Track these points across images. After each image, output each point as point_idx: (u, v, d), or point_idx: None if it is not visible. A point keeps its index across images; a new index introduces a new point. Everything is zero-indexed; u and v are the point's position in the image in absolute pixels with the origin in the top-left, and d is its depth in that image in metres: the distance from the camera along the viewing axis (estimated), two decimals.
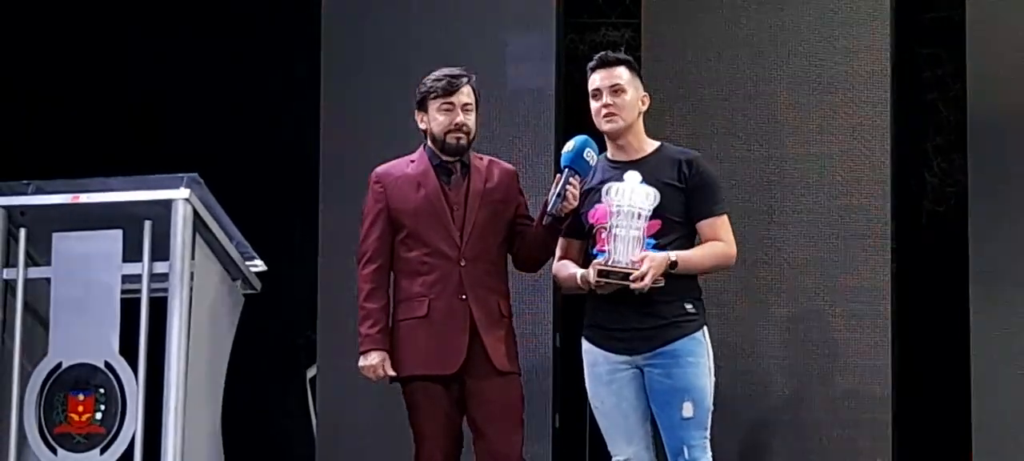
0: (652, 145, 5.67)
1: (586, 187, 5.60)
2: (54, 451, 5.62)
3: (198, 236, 5.64)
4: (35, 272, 5.71)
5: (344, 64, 7.08)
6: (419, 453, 5.72)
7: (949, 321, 6.60)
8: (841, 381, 6.51)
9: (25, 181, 5.76)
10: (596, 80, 5.62)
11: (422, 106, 5.77)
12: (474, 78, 5.79)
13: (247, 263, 5.92)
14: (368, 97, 7.01)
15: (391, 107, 6.76)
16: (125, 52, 7.92)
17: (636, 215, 5.51)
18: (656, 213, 5.51)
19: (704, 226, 5.59)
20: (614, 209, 5.52)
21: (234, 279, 5.89)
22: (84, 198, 5.64)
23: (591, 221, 5.59)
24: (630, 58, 5.72)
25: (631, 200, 5.53)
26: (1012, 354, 6.38)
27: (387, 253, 5.73)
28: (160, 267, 5.60)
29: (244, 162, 7.48)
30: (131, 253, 5.61)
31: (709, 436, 5.53)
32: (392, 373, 5.68)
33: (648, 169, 5.58)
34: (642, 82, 5.69)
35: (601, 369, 5.58)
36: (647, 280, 5.42)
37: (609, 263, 5.48)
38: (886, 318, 6.46)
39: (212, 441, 5.80)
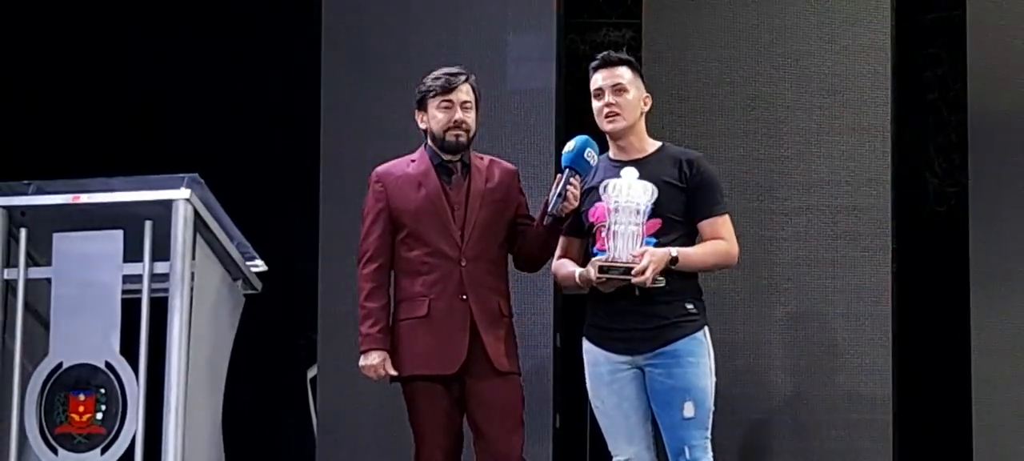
0: (654, 145, 5.67)
1: (586, 186, 5.60)
2: (55, 451, 5.62)
3: (199, 236, 5.64)
4: (36, 272, 5.71)
5: (344, 64, 7.08)
6: (419, 453, 5.72)
7: (950, 321, 6.60)
8: (841, 381, 6.50)
9: (26, 181, 5.76)
10: (598, 80, 5.62)
11: (422, 105, 5.77)
12: (474, 77, 5.79)
13: (248, 263, 5.92)
14: (368, 97, 7.00)
15: (391, 107, 6.76)
16: (125, 52, 7.92)
17: (634, 211, 5.51)
18: (656, 212, 5.51)
19: (705, 226, 5.59)
20: (612, 206, 5.52)
21: (235, 279, 5.89)
22: (85, 198, 5.65)
23: (591, 219, 5.59)
24: (632, 58, 5.72)
25: (629, 197, 5.52)
26: (1013, 354, 6.37)
27: (388, 252, 5.73)
28: (161, 267, 5.60)
29: (244, 162, 7.49)
30: (132, 253, 5.61)
31: (710, 436, 5.53)
32: (393, 373, 5.67)
33: (649, 168, 5.58)
34: (644, 82, 5.69)
35: (602, 369, 5.58)
36: (647, 274, 5.41)
37: (609, 260, 5.47)
38: (887, 318, 6.45)
39: (213, 441, 5.81)
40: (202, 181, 5.64)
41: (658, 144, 5.68)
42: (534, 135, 6.78)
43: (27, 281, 5.69)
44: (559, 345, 6.68)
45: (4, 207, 5.70)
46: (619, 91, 5.59)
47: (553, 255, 5.77)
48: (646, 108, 5.67)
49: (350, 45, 7.08)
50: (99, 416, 5.61)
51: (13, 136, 7.68)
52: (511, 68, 6.87)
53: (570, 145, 5.59)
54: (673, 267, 5.46)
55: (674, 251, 5.47)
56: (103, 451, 5.58)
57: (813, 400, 6.53)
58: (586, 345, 5.63)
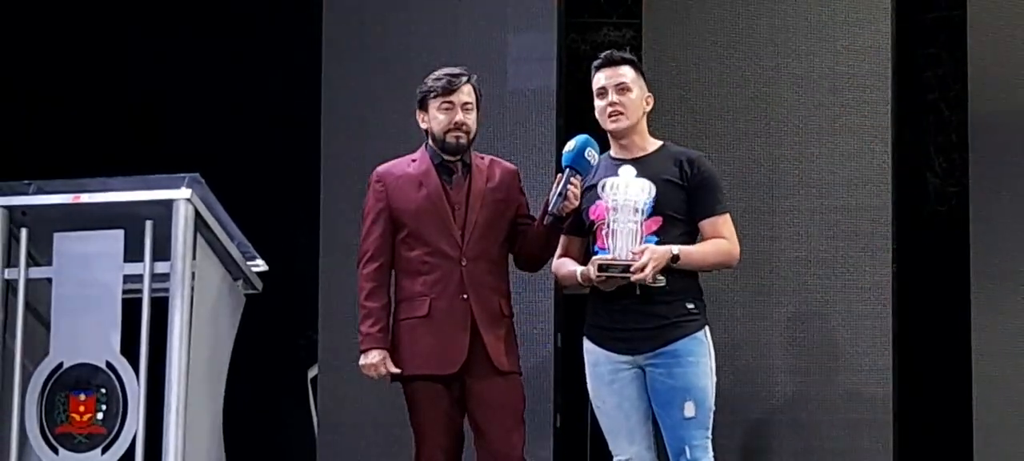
0: (655, 144, 5.67)
1: (586, 185, 5.59)
2: (55, 451, 5.62)
3: (199, 236, 5.64)
4: (36, 272, 5.71)
5: (344, 64, 7.08)
6: (420, 453, 5.72)
7: (950, 321, 6.60)
8: (842, 381, 6.51)
9: (26, 181, 5.76)
10: (601, 79, 5.62)
11: (423, 106, 5.77)
12: (475, 77, 5.79)
13: (248, 263, 5.92)
14: (368, 97, 7.01)
15: (391, 107, 6.76)
16: (125, 52, 7.92)
17: (633, 209, 5.50)
18: (657, 211, 5.51)
19: (706, 225, 5.59)
20: (611, 205, 5.51)
21: (235, 279, 5.89)
22: (85, 198, 5.65)
23: (592, 218, 5.58)
24: (635, 58, 5.73)
25: (627, 195, 5.52)
26: (1013, 354, 6.38)
27: (388, 252, 5.73)
28: (161, 267, 5.60)
29: (245, 162, 7.48)
30: (132, 253, 5.61)
31: (710, 436, 5.52)
32: (394, 371, 5.67)
33: (648, 166, 5.58)
34: (646, 82, 5.69)
35: (603, 369, 5.58)
36: (647, 271, 5.41)
37: (609, 259, 5.47)
38: (887, 318, 6.46)
39: (213, 441, 5.80)
40: (203, 181, 5.64)
41: (659, 143, 5.68)
42: (534, 135, 6.79)
43: (28, 281, 5.68)
44: (560, 345, 6.68)
45: (5, 207, 5.70)
46: (622, 90, 5.59)
47: (554, 255, 5.77)
48: (648, 107, 5.67)
49: (350, 45, 7.09)
50: (100, 416, 5.60)
51: (13, 136, 7.68)
52: (511, 68, 6.87)
53: (570, 144, 5.58)
54: (674, 265, 5.46)
55: (675, 249, 5.47)
56: (104, 451, 5.58)
57: (813, 400, 6.53)
58: (587, 345, 5.63)
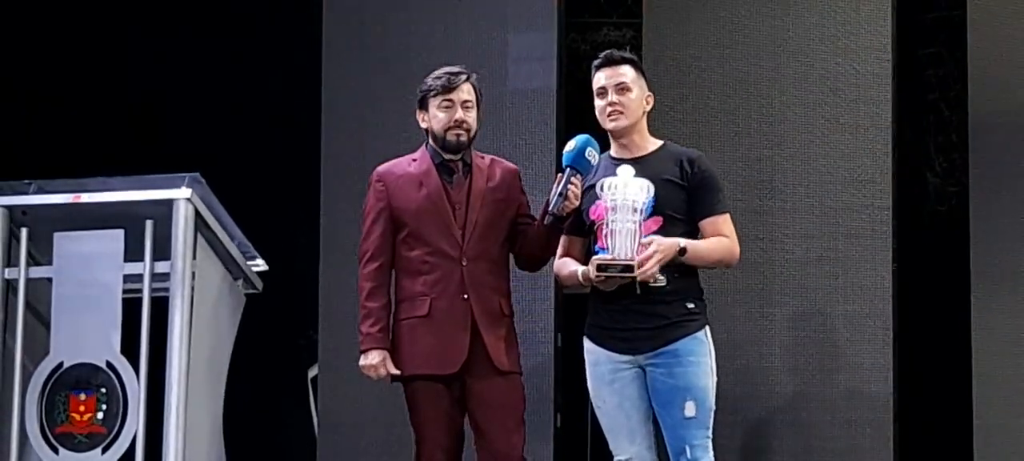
0: (655, 143, 5.67)
1: (586, 184, 5.59)
2: (56, 451, 5.62)
3: (199, 236, 5.64)
4: (37, 272, 5.71)
5: (344, 64, 7.08)
6: (420, 453, 5.72)
7: (950, 320, 6.60)
8: (842, 381, 6.51)
9: (26, 181, 5.76)
10: (601, 78, 5.62)
11: (423, 105, 5.77)
12: (475, 76, 5.79)
13: (249, 262, 5.92)
14: (368, 97, 7.01)
15: (391, 107, 6.76)
16: (125, 52, 7.92)
17: (632, 209, 5.50)
18: (657, 210, 5.51)
19: (706, 224, 5.58)
20: (610, 204, 5.50)
21: (236, 279, 5.89)
22: (85, 198, 5.65)
23: (592, 218, 5.58)
24: (635, 57, 5.73)
25: (625, 194, 5.51)
26: (1014, 354, 6.38)
27: (388, 252, 5.73)
28: (161, 267, 5.60)
29: (245, 162, 7.48)
30: (132, 253, 5.61)
31: (711, 435, 5.52)
32: (394, 372, 5.67)
33: (647, 166, 5.57)
34: (647, 81, 5.69)
35: (603, 368, 5.58)
36: (648, 265, 5.40)
37: (609, 259, 5.47)
38: (887, 317, 6.46)
39: (213, 441, 5.80)
40: (203, 180, 5.64)
41: (659, 142, 5.68)
42: (534, 135, 6.79)
43: (28, 280, 5.69)
44: (560, 344, 6.68)
45: (5, 207, 5.70)
46: (622, 90, 5.59)
47: (554, 254, 5.77)
48: (649, 107, 5.67)
49: (350, 45, 7.09)
50: (100, 416, 5.60)
51: (13, 136, 7.67)
52: (511, 68, 6.87)
53: (571, 144, 5.58)
54: (681, 259, 5.46)
55: (683, 242, 5.47)
56: (104, 451, 5.58)
57: (813, 400, 6.54)
58: (587, 344, 5.63)
